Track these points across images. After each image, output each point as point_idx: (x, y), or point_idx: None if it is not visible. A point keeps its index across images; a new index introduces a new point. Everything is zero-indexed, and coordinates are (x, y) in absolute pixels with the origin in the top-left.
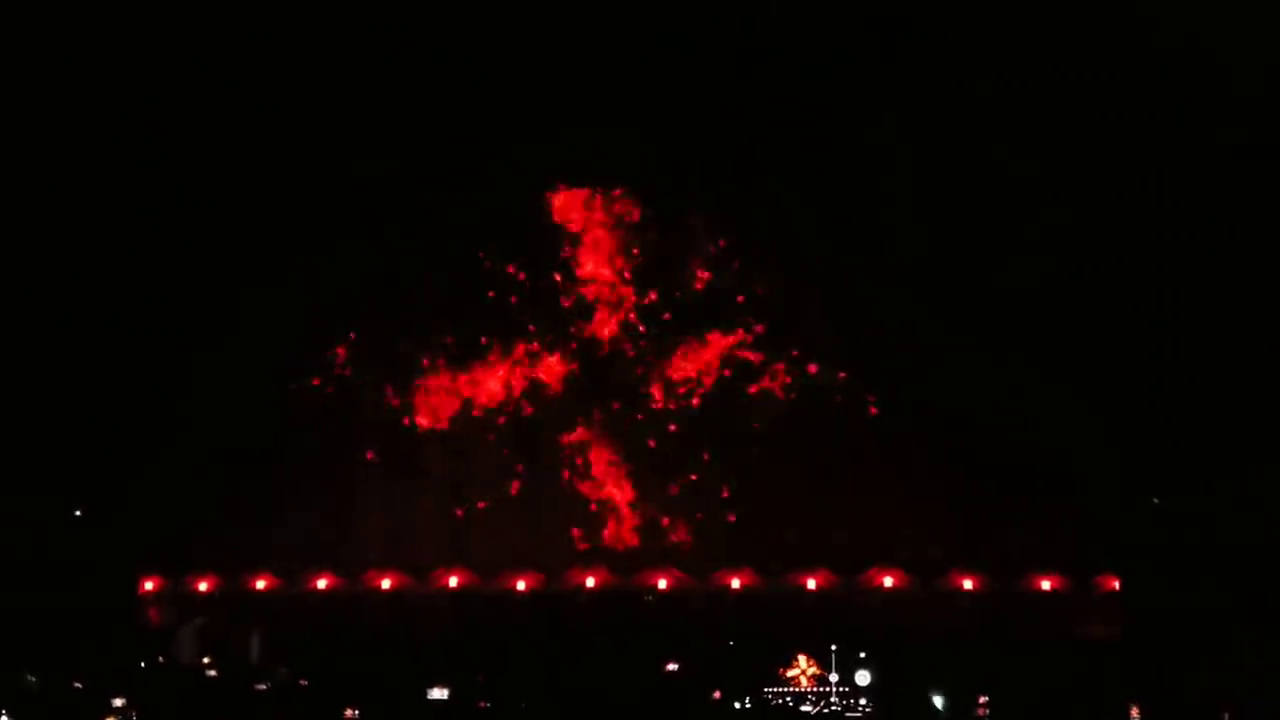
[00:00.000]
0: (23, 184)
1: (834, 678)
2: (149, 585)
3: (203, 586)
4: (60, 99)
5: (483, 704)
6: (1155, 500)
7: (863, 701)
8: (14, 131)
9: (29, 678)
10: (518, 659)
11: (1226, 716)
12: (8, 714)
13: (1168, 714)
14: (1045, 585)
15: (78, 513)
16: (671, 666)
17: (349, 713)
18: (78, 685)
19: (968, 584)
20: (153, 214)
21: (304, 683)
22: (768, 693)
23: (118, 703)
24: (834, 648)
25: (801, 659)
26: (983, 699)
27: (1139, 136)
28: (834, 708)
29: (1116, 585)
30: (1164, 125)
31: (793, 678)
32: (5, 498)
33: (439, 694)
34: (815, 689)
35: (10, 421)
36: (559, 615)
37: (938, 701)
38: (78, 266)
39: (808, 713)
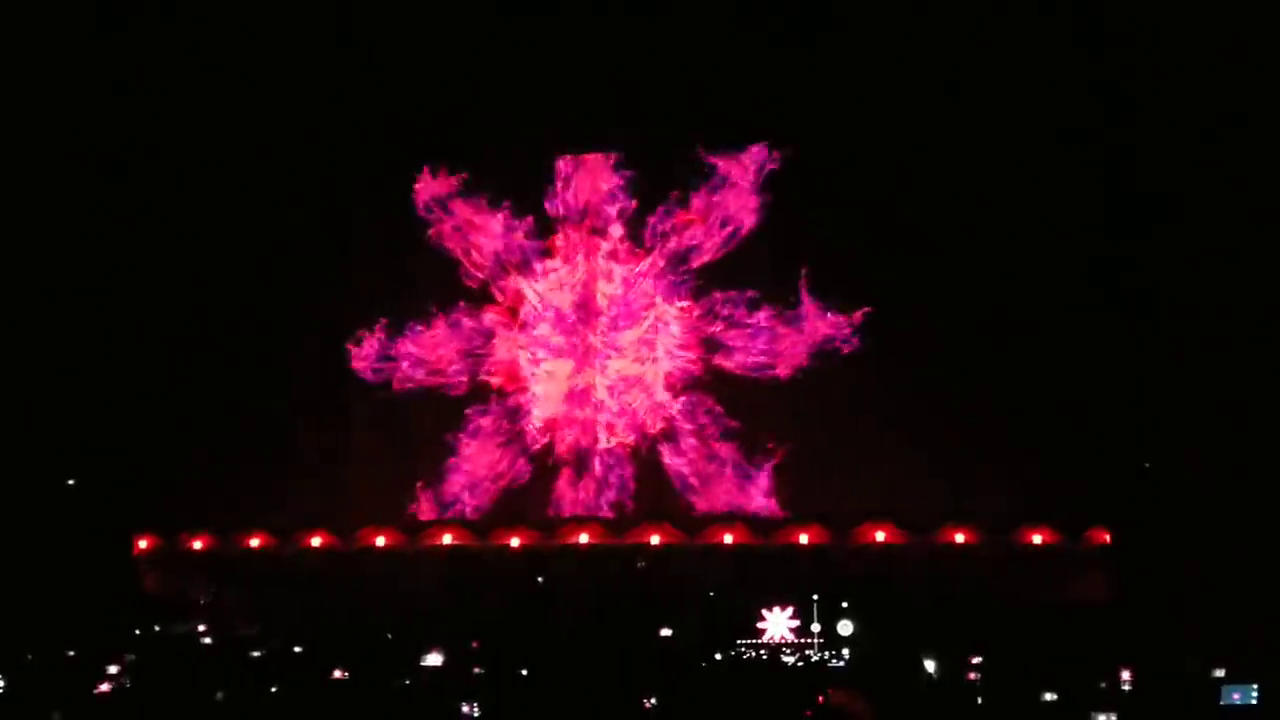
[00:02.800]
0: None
1: (815, 628)
2: (143, 544)
3: (197, 545)
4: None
5: (476, 669)
6: (1147, 465)
7: (845, 652)
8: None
9: (27, 656)
10: (511, 623)
11: (1220, 674)
12: (4, 680)
13: (1160, 677)
14: (1036, 539)
15: (70, 482)
16: (665, 632)
17: (338, 674)
18: (70, 653)
19: (960, 537)
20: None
21: (298, 650)
22: (741, 645)
23: (112, 669)
24: (815, 598)
25: (777, 610)
26: (974, 660)
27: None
28: (814, 659)
29: (1108, 539)
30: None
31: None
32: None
33: (433, 659)
34: (795, 640)
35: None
36: (550, 574)
37: (928, 664)
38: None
39: (787, 664)
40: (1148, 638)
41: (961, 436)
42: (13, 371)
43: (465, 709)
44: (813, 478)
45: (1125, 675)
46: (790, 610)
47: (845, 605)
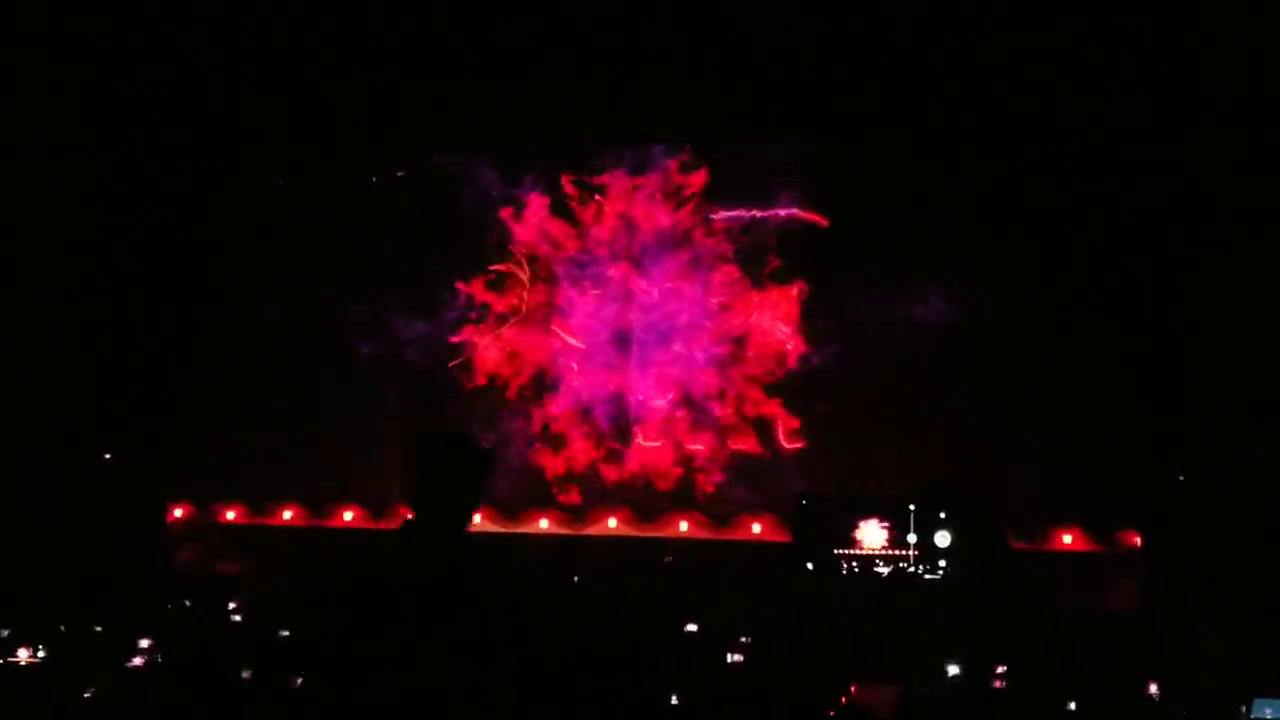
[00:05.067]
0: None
1: (912, 539)
2: (178, 513)
3: (230, 515)
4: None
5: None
6: (1180, 477)
7: (942, 563)
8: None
9: (60, 628)
10: (537, 611)
11: (1246, 691)
12: (45, 650)
13: (1188, 690)
14: (1066, 540)
15: (107, 456)
16: (691, 628)
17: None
18: (98, 628)
19: None
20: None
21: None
22: (838, 554)
23: (144, 644)
24: (912, 507)
25: (874, 520)
26: (1000, 669)
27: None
28: (910, 570)
29: (1138, 542)
30: None
31: (870, 541)
32: (31, 444)
33: None
34: (889, 551)
35: (34, 366)
36: (577, 560)
37: (953, 669)
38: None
39: (880, 574)
40: (1175, 649)
41: (992, 432)
42: (52, 344)
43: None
44: (841, 472)
45: (1153, 688)
46: (886, 522)
47: (943, 516)
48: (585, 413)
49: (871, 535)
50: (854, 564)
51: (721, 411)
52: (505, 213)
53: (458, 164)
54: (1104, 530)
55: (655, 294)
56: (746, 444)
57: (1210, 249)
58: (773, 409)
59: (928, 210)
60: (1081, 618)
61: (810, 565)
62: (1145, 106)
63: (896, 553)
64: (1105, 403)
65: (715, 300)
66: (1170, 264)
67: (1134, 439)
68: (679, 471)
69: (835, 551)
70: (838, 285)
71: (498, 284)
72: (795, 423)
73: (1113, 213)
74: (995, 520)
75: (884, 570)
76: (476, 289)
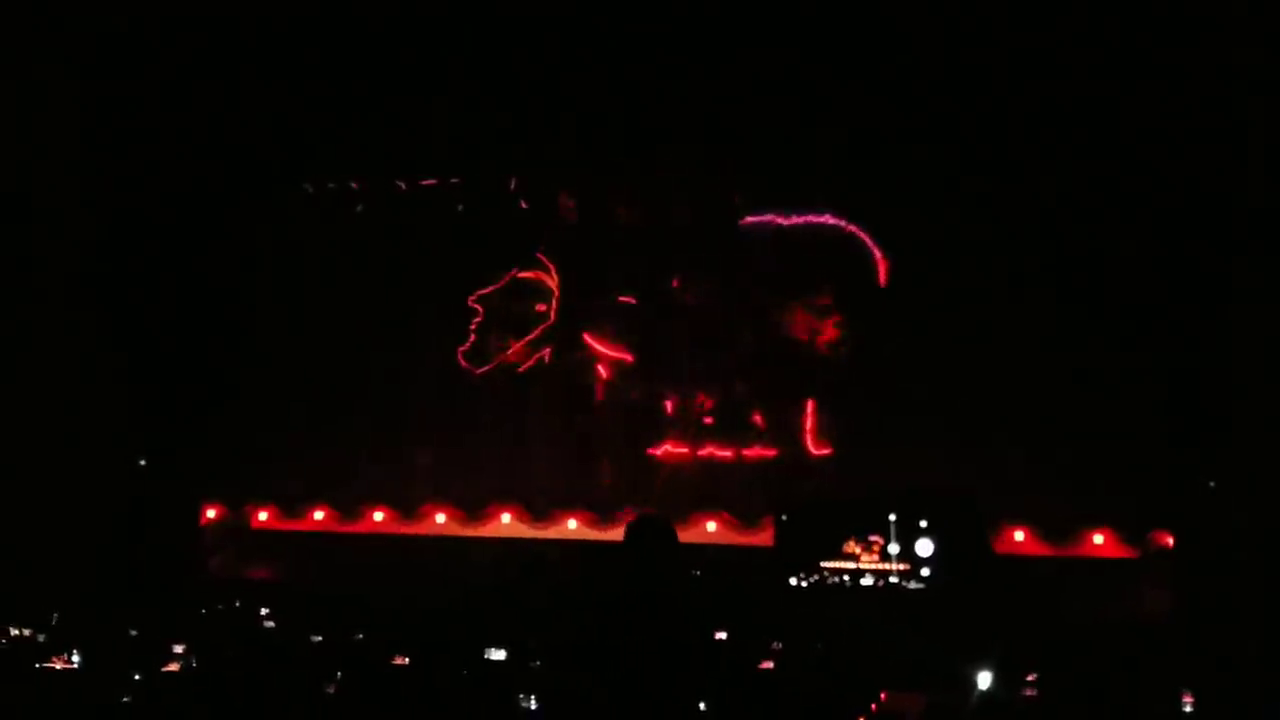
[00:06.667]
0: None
1: (894, 549)
2: (210, 514)
3: (263, 516)
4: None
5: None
6: (1211, 484)
7: (924, 572)
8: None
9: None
10: (564, 614)
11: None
12: (80, 655)
13: (1224, 701)
14: (1097, 540)
15: (142, 462)
16: (720, 635)
17: (399, 661)
18: (133, 633)
19: (1019, 535)
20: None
21: (360, 637)
22: (825, 569)
23: (178, 649)
24: (893, 518)
25: (859, 533)
26: (1031, 677)
27: None
28: (894, 581)
29: (1170, 542)
30: None
31: (853, 554)
32: (68, 450)
33: (496, 654)
34: (875, 564)
35: (70, 369)
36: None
37: (984, 680)
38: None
39: (868, 587)
40: (1209, 657)
41: (1024, 434)
42: (84, 347)
43: (524, 703)
44: (868, 471)
45: (1187, 699)
46: (871, 534)
47: (924, 525)
48: (615, 420)
49: (857, 547)
50: (839, 577)
51: (752, 418)
52: (536, 220)
53: (485, 172)
54: (1136, 531)
55: (687, 301)
56: (776, 449)
57: (1249, 252)
58: (804, 415)
59: (961, 219)
60: (1111, 625)
61: (794, 580)
62: (1164, 109)
63: (881, 566)
64: (1137, 405)
65: (749, 307)
66: (1208, 269)
67: (1166, 441)
68: (707, 476)
69: (822, 565)
70: (870, 290)
71: (528, 291)
72: (826, 428)
73: (1144, 218)
74: (977, 518)
75: (869, 582)
76: (506, 297)
